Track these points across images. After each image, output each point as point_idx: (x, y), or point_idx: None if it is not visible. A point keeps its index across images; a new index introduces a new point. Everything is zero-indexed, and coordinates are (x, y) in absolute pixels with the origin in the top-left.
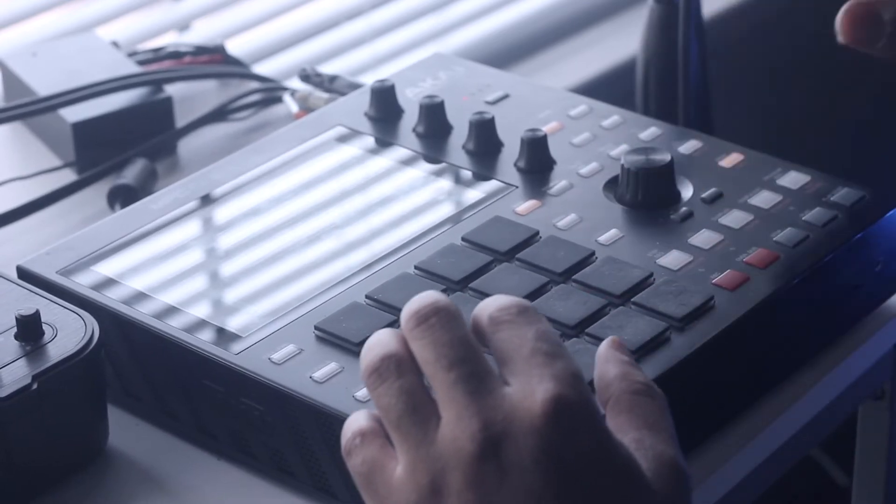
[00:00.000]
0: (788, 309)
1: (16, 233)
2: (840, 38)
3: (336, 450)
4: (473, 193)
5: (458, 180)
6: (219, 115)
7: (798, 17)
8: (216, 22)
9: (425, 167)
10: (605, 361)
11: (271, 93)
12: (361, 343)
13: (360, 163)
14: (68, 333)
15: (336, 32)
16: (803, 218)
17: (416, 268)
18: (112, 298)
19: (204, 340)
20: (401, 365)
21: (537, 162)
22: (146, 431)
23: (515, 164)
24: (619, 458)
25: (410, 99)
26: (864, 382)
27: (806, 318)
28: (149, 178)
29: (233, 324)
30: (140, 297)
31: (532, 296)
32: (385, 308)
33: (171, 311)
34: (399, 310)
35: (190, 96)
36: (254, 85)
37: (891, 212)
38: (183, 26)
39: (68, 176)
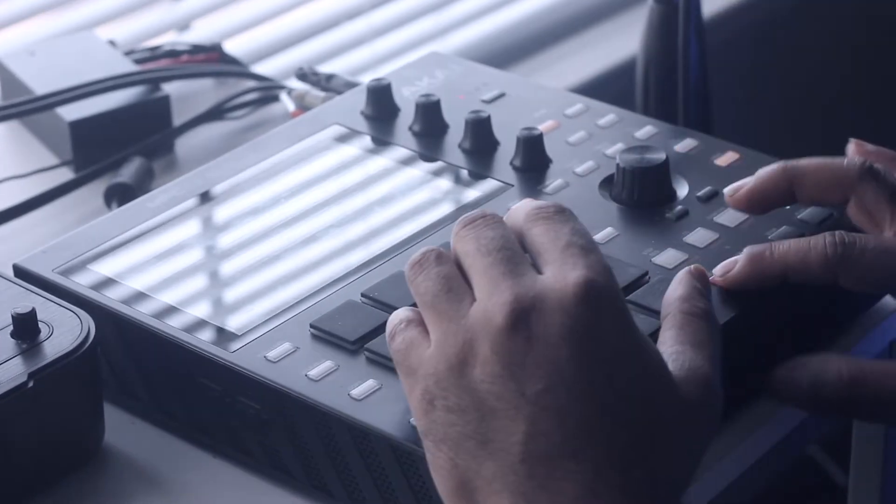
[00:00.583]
0: (783, 307)
1: (12, 231)
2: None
3: (332, 448)
4: (469, 192)
5: (454, 179)
6: (216, 113)
7: (798, 17)
8: (216, 22)
9: (421, 166)
10: (677, 283)
11: (268, 91)
12: (357, 341)
13: (357, 162)
14: (64, 331)
15: (336, 32)
16: (798, 216)
17: None
18: (108, 297)
19: (200, 338)
20: (440, 256)
21: (533, 160)
22: (142, 430)
23: (511, 163)
24: (645, 354)
25: (407, 97)
26: None
27: (801, 317)
28: (146, 177)
29: (229, 322)
30: (136, 295)
31: None
32: (380, 306)
33: (167, 309)
34: (394, 308)
35: (187, 95)
36: (251, 84)
37: None
38: (182, 26)
39: (65, 174)
